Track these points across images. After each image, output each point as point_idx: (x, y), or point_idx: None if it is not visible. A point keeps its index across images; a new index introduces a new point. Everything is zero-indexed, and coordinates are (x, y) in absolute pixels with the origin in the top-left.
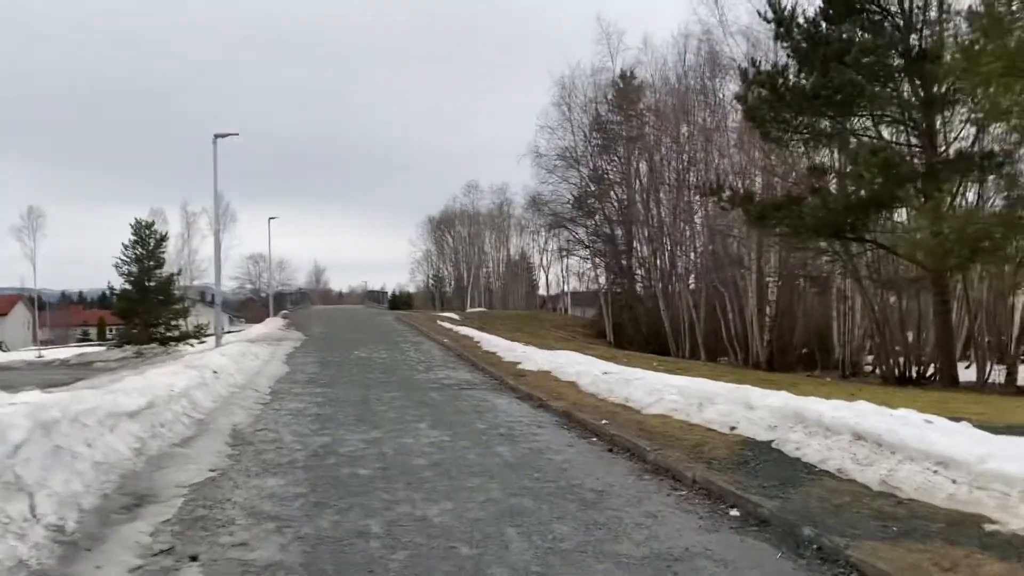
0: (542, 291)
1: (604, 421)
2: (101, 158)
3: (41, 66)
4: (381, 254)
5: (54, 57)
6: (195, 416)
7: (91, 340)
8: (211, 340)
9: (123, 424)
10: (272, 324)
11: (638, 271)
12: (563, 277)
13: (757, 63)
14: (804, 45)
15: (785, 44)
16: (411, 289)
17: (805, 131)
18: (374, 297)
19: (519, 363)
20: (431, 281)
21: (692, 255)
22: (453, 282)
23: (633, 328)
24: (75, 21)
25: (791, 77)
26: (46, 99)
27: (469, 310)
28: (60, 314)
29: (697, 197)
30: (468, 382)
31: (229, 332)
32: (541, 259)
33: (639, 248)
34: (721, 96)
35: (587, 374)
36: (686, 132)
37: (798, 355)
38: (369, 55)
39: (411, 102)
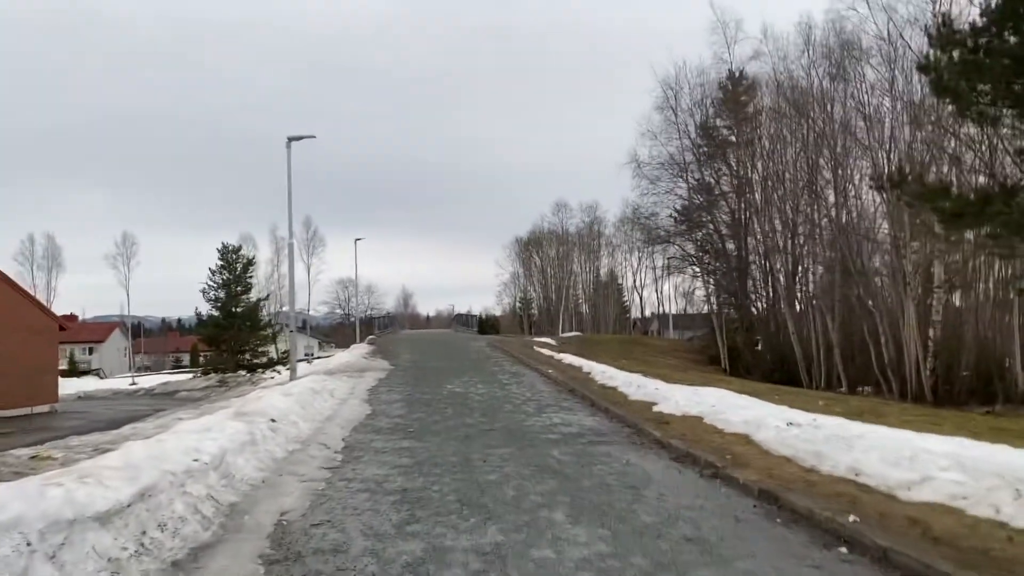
0: (635, 313)
1: (852, 518)
2: (195, 187)
3: (130, 100)
4: (468, 277)
5: (143, 92)
6: (225, 500)
7: (184, 367)
8: (303, 366)
9: (85, 537)
10: (357, 351)
11: (755, 290)
12: (659, 298)
13: (948, 19)
14: None
15: None
16: (497, 312)
17: (1017, 102)
18: (462, 320)
19: (653, 403)
20: (518, 304)
21: (819, 270)
22: (542, 303)
23: (752, 354)
24: (167, 56)
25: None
26: (140, 129)
27: (563, 334)
28: (157, 341)
29: (830, 199)
30: (595, 431)
31: (315, 358)
32: (635, 279)
33: (758, 263)
34: (862, 83)
35: (762, 424)
36: (818, 128)
37: (967, 386)
38: (453, 78)
39: (496, 122)
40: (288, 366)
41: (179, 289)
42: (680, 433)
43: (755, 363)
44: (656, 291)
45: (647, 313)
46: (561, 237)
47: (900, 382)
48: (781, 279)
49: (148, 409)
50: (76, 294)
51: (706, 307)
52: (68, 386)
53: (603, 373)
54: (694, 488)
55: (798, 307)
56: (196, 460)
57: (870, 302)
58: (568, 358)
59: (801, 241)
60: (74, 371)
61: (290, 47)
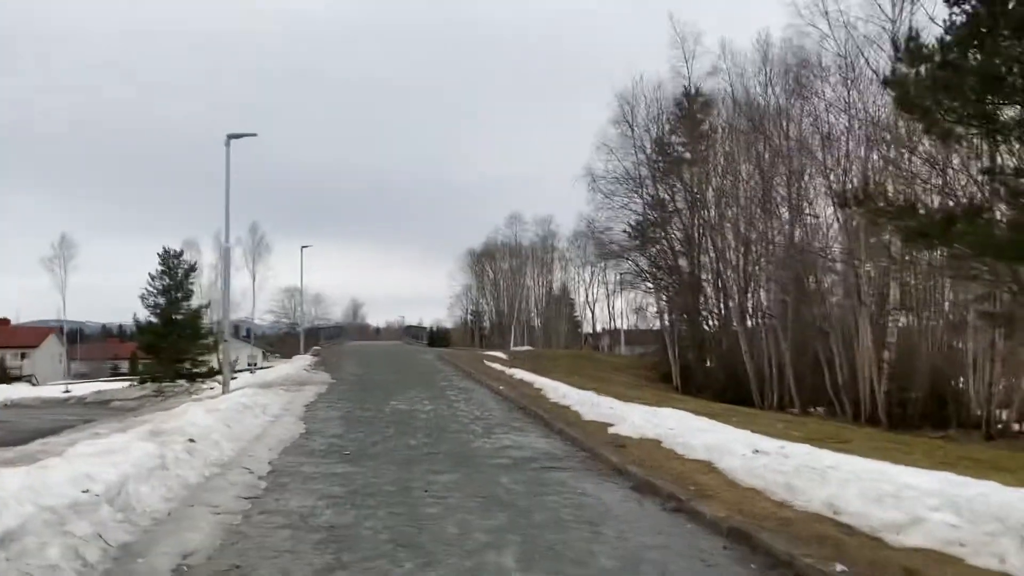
0: (587, 328)
1: (840, 568)
2: (142, 191)
3: (72, 100)
4: (420, 289)
5: (86, 94)
6: (117, 540)
7: (123, 375)
8: (243, 377)
9: None
10: (299, 363)
11: (707, 307)
12: (611, 313)
13: (915, 34)
14: (982, 8)
15: (957, 8)
16: (449, 325)
17: (983, 122)
18: (412, 333)
19: (609, 424)
20: (470, 317)
21: (771, 288)
22: (494, 317)
23: (703, 372)
24: (114, 62)
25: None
26: (83, 130)
27: (515, 348)
28: (96, 347)
29: (787, 214)
30: (548, 455)
31: (259, 368)
32: (587, 294)
33: (710, 280)
34: (820, 101)
35: (725, 451)
36: (774, 145)
37: (920, 409)
38: (404, 87)
39: (449, 134)
40: (239, 371)
41: (122, 295)
42: (639, 458)
43: (707, 381)
44: (608, 307)
45: (598, 328)
46: (515, 250)
47: (853, 404)
48: (734, 297)
49: (76, 419)
50: (9, 297)
51: (658, 323)
52: None
53: (556, 390)
54: (656, 524)
55: (750, 325)
56: (86, 491)
57: (824, 322)
58: (520, 373)
59: (754, 258)
60: (4, 377)
61: (240, 52)
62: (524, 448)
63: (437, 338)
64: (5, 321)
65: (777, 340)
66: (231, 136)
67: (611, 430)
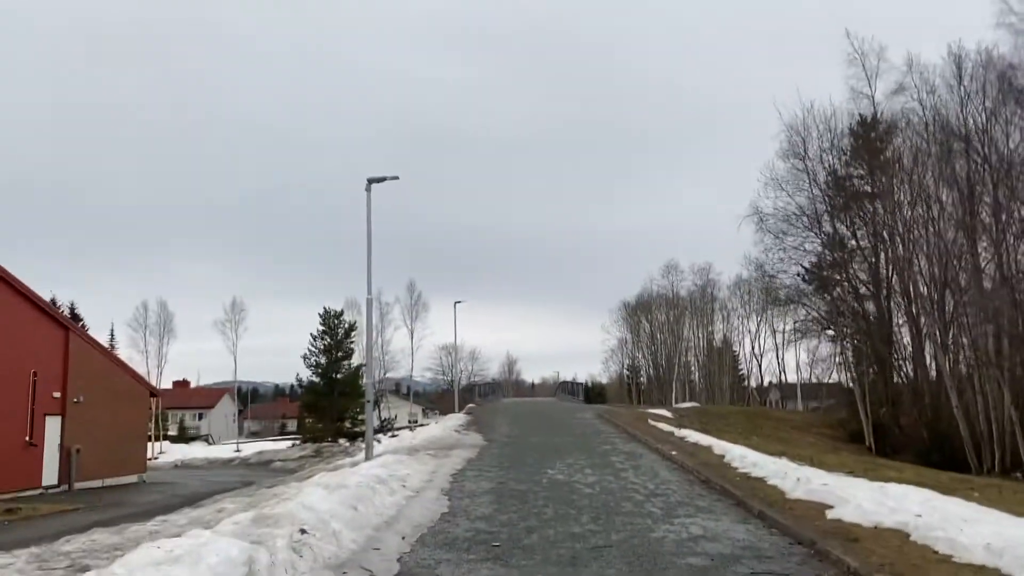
0: (752, 382)
1: None
2: (307, 255)
3: (246, 174)
4: (573, 344)
5: (258, 166)
6: None
7: (290, 433)
8: (389, 441)
9: None
10: (451, 422)
11: (899, 356)
12: (780, 365)
13: None
14: None
15: None
16: (604, 380)
17: None
18: (567, 389)
19: (826, 506)
20: (626, 371)
21: (980, 331)
22: (651, 371)
23: (900, 430)
24: (274, 132)
25: None
26: (252, 201)
27: (679, 405)
28: (267, 406)
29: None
30: (754, 550)
31: (418, 425)
32: (753, 345)
33: (907, 325)
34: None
35: None
36: (976, 169)
37: None
38: (554, 141)
39: (601, 188)
40: (368, 439)
41: (293, 356)
42: (886, 561)
43: (906, 441)
44: (777, 358)
45: (765, 382)
46: (671, 301)
47: None
48: (935, 343)
49: (236, 481)
50: (189, 360)
51: (837, 376)
52: (175, 452)
53: (742, 458)
54: None
55: (965, 376)
56: None
57: None
58: (691, 435)
59: (958, 297)
60: (183, 437)
61: (387, 116)
62: (719, 539)
63: (593, 394)
64: (185, 383)
65: (990, 393)
66: (372, 180)
67: (830, 514)
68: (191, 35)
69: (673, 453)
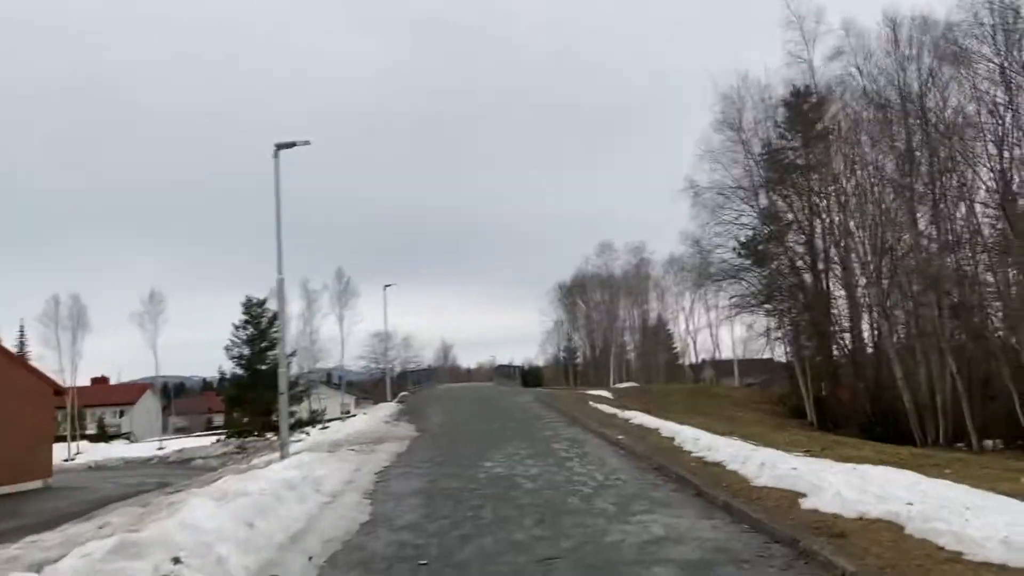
0: (687, 360)
1: None
2: (222, 241)
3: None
4: (509, 328)
5: (168, 153)
6: None
7: (217, 428)
8: (315, 435)
9: None
10: (381, 413)
11: (839, 329)
12: (715, 343)
13: None
14: None
15: None
16: (540, 363)
17: None
18: (504, 372)
19: (799, 495)
20: (563, 353)
21: (921, 301)
22: (589, 352)
23: (841, 405)
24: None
25: None
26: (165, 190)
27: (618, 386)
28: (193, 401)
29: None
30: (727, 554)
31: (350, 416)
32: (687, 324)
33: (846, 298)
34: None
35: None
36: (914, 135)
37: None
38: (482, 129)
39: (534, 168)
40: (283, 434)
41: (220, 347)
42: (886, 563)
43: (847, 415)
44: (711, 335)
45: (699, 360)
46: (606, 281)
47: None
48: (872, 315)
49: (152, 483)
50: (108, 356)
51: (771, 352)
52: (93, 452)
53: (695, 440)
54: None
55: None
56: None
57: (1013, 338)
58: (636, 416)
59: (895, 267)
60: (103, 436)
61: (311, 102)
62: (685, 540)
63: (530, 377)
64: (104, 380)
65: (936, 361)
66: (280, 146)
67: (805, 504)
68: (102, 17)
69: (620, 437)
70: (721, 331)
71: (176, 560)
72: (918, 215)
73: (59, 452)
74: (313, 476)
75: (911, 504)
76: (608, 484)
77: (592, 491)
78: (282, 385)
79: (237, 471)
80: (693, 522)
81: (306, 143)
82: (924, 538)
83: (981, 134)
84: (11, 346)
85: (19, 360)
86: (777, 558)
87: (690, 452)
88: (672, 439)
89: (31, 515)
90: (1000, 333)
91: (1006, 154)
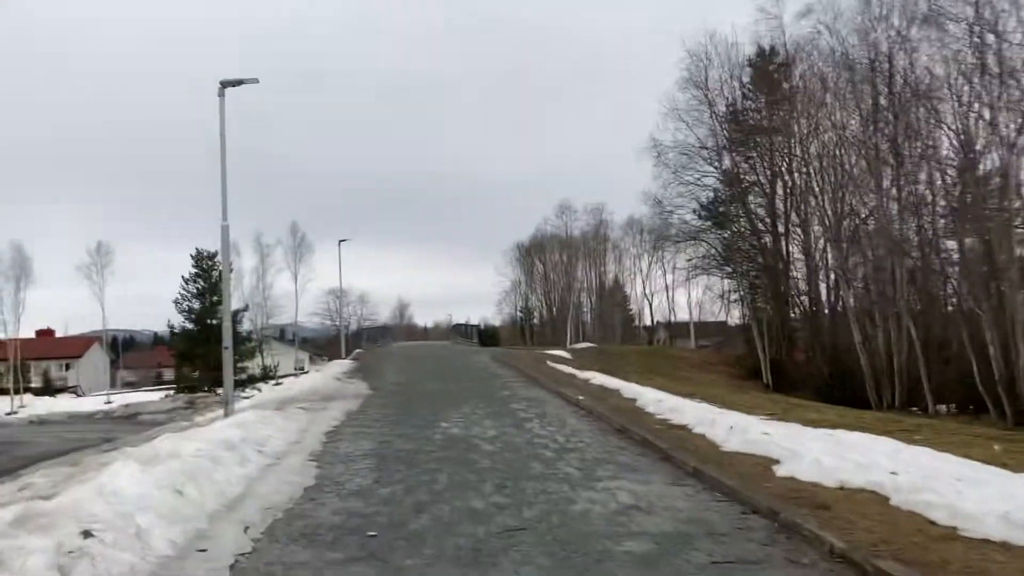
0: (644, 321)
1: None
2: (174, 192)
3: (106, 109)
4: (467, 287)
5: (120, 100)
6: None
7: (168, 383)
8: (268, 391)
9: None
10: (334, 369)
11: (796, 292)
12: (671, 305)
13: None
14: None
15: None
16: (497, 323)
17: None
18: (461, 331)
19: (772, 461)
20: (520, 313)
21: (880, 265)
22: (545, 313)
23: (798, 367)
24: (144, 66)
25: None
26: (115, 138)
27: (575, 346)
28: (144, 355)
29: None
30: (703, 525)
31: (303, 372)
32: (644, 286)
33: (805, 260)
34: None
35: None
36: (880, 96)
37: None
38: (442, 83)
39: (492, 128)
40: (227, 391)
41: (171, 301)
42: (877, 538)
43: (804, 378)
44: (668, 298)
45: (654, 322)
46: (565, 241)
47: (1013, 404)
48: (832, 277)
49: (95, 438)
50: (55, 309)
51: (726, 314)
52: (38, 406)
53: (658, 402)
54: None
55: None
56: None
57: (969, 301)
58: (595, 376)
59: (856, 230)
60: (48, 389)
61: (264, 54)
62: (656, 511)
63: (486, 336)
64: (49, 332)
65: (896, 327)
66: (225, 84)
67: (780, 471)
68: None
69: (580, 398)
70: (677, 294)
71: (86, 534)
72: (882, 178)
73: (2, 406)
74: (256, 436)
75: (895, 474)
76: (570, 447)
77: (554, 455)
78: (226, 339)
79: (179, 428)
80: (663, 489)
81: (254, 80)
82: (913, 511)
83: (950, 95)
84: None
85: None
86: (757, 531)
87: (653, 414)
88: (634, 400)
89: None
90: (957, 298)
91: (972, 117)
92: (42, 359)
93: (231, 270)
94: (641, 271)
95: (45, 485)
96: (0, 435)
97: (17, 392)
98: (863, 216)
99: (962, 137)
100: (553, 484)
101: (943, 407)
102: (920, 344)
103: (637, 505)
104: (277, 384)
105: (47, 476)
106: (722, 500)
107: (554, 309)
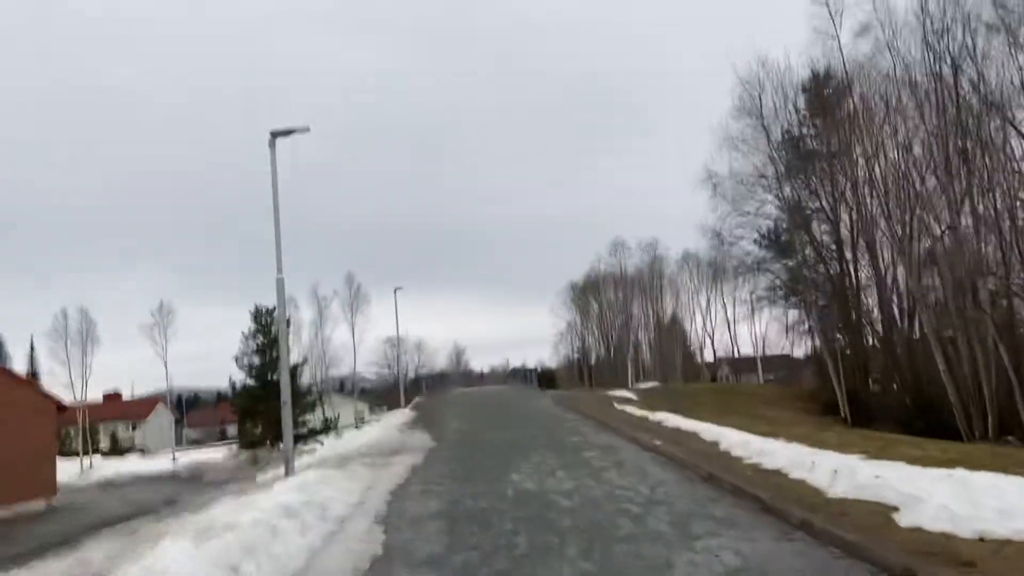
0: (706, 358)
1: None
2: (233, 250)
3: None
4: (522, 330)
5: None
6: None
7: (230, 439)
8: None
9: None
10: (394, 420)
11: (869, 321)
12: (733, 339)
13: None
14: None
15: None
16: (553, 364)
17: None
18: (519, 375)
19: (890, 508)
20: (576, 354)
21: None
22: (602, 352)
23: (875, 399)
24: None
25: None
26: (169, 199)
27: (640, 386)
28: (207, 413)
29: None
30: None
31: (364, 423)
32: (705, 321)
33: (877, 286)
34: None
35: None
36: (948, 112)
37: None
38: (492, 133)
39: (542, 168)
40: (287, 449)
41: (230, 359)
42: None
43: (884, 410)
44: (729, 332)
45: (716, 357)
46: (619, 279)
47: None
48: (909, 302)
49: (158, 500)
50: (120, 371)
51: (791, 347)
52: (106, 467)
53: (745, 444)
54: None
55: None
56: None
57: None
58: (668, 418)
59: (925, 256)
60: (116, 450)
61: (311, 108)
62: (771, 574)
63: (544, 379)
64: (117, 395)
65: (983, 353)
66: (276, 134)
67: (902, 521)
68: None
69: (657, 443)
70: (739, 327)
71: None
72: (954, 194)
73: (72, 469)
74: (318, 499)
75: None
76: (657, 500)
77: (640, 509)
78: (284, 394)
79: (239, 491)
80: (771, 547)
81: (305, 129)
82: None
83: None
84: (21, 362)
85: (19, 378)
86: None
87: (741, 458)
88: (716, 443)
89: (19, 542)
90: None
91: None
92: (109, 420)
93: (288, 324)
94: (700, 306)
95: (99, 560)
96: (68, 500)
97: (86, 454)
98: (938, 234)
99: None
100: (646, 545)
101: None
102: (1012, 369)
103: (746, 568)
104: (338, 437)
105: (102, 550)
106: (842, 557)
107: (612, 348)
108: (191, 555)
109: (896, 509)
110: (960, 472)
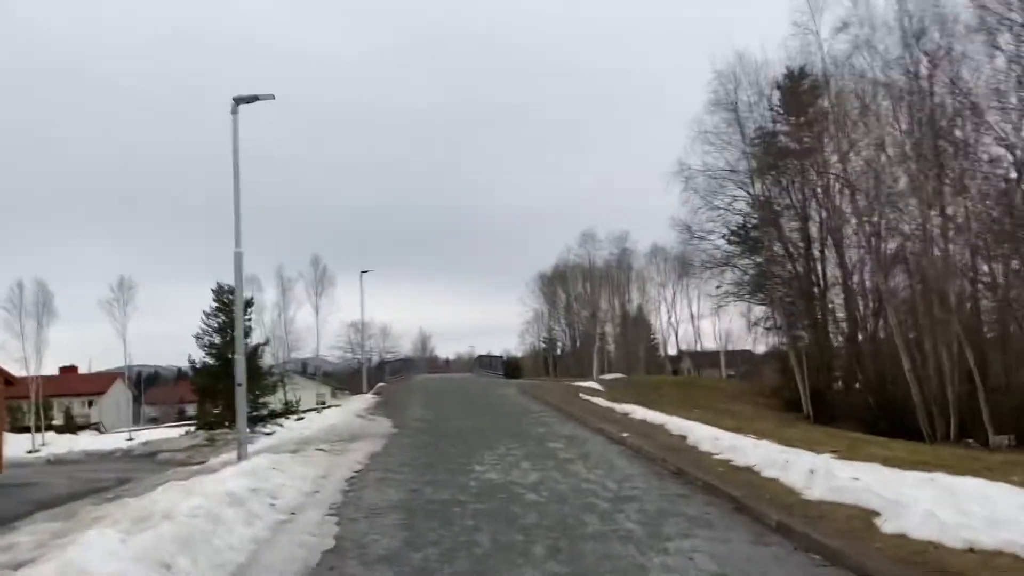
0: (666, 351)
1: None
2: (198, 227)
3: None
4: (489, 319)
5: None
6: None
7: (190, 419)
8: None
9: None
10: (355, 405)
11: (834, 319)
12: (697, 334)
13: None
14: None
15: None
16: (519, 353)
17: None
18: (485, 363)
19: (873, 512)
20: (543, 344)
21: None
22: (569, 343)
23: (838, 397)
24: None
25: None
26: (133, 167)
27: (605, 377)
28: (166, 391)
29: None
30: None
31: (325, 407)
32: (670, 315)
33: (839, 284)
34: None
35: None
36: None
37: None
38: (465, 115)
39: (517, 156)
40: (240, 431)
41: (191, 337)
42: None
43: (847, 409)
44: (693, 326)
45: (678, 351)
46: (588, 271)
47: None
48: (872, 305)
49: (111, 479)
50: (78, 346)
51: (754, 343)
52: (59, 444)
53: (714, 440)
54: None
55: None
56: None
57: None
58: (635, 410)
59: (895, 254)
60: (70, 426)
61: (282, 93)
62: None
63: (510, 368)
64: (73, 368)
65: (948, 354)
66: (239, 100)
67: (886, 527)
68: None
69: (624, 435)
70: (702, 322)
71: None
72: (925, 195)
73: (23, 444)
74: (269, 486)
75: None
76: (626, 496)
77: (609, 505)
78: (239, 375)
79: (188, 473)
80: (747, 550)
81: (270, 96)
82: None
83: (999, 104)
84: None
85: None
86: None
87: (711, 454)
88: (684, 437)
89: None
90: (1017, 322)
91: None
92: (64, 396)
93: (251, 304)
94: (666, 300)
95: (28, 545)
96: (15, 476)
97: (39, 430)
98: (906, 235)
99: (1017, 151)
100: (616, 545)
101: (1004, 439)
102: (977, 371)
103: (723, 573)
104: (299, 420)
105: (33, 534)
106: (825, 565)
107: (577, 339)
108: (116, 550)
109: (878, 514)
110: (943, 477)
